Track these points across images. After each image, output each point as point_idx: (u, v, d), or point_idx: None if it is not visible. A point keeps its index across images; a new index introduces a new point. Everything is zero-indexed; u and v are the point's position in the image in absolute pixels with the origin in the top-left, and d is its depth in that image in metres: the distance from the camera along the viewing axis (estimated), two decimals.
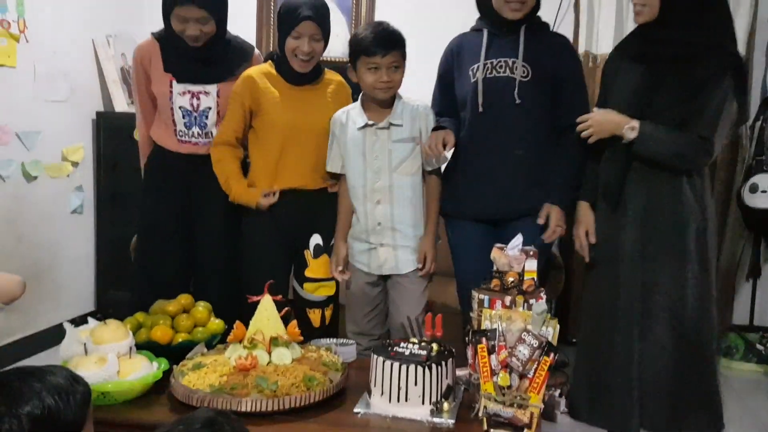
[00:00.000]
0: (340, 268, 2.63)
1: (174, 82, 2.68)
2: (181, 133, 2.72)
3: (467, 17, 2.63)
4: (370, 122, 2.53)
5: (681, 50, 2.27)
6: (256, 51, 2.83)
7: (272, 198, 2.60)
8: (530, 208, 2.51)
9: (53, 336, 3.67)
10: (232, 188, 2.63)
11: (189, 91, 2.69)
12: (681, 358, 2.37)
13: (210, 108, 2.70)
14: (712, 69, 2.25)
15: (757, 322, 3.92)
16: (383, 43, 2.42)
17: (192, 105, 2.69)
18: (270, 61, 2.65)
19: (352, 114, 2.57)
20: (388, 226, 2.56)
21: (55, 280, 3.79)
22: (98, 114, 4.02)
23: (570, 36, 3.94)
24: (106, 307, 3.94)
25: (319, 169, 2.64)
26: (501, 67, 2.49)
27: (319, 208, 2.67)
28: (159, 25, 2.69)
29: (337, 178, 2.66)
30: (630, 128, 2.28)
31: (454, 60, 2.62)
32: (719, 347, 2.51)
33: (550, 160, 2.52)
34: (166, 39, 2.69)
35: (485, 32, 2.55)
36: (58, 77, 3.70)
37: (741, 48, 3.78)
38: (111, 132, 4.00)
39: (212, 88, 2.69)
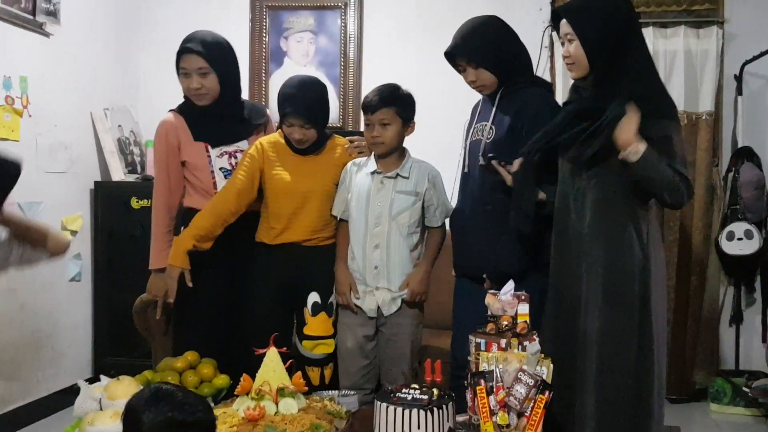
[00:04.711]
0: (357, 296, 2.72)
1: (209, 148, 2.80)
2: None
3: (448, 85, 2.79)
4: (379, 170, 2.71)
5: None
6: (268, 110, 3.03)
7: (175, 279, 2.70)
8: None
9: (54, 403, 3.71)
10: (185, 239, 2.69)
11: (225, 152, 2.82)
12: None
13: None
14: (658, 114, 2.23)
15: (743, 366, 4.03)
16: (371, 103, 2.67)
17: (231, 164, 2.81)
18: (279, 131, 2.81)
19: (364, 162, 2.75)
20: (384, 271, 2.69)
21: (55, 348, 3.83)
22: (96, 184, 4.14)
23: None
24: (104, 373, 3.96)
25: (321, 229, 2.78)
26: (480, 131, 2.64)
27: (318, 264, 2.78)
28: (154, 97, 2.83)
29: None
30: (635, 151, 2.14)
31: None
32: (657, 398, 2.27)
33: None
34: (189, 110, 2.82)
35: (482, 97, 2.71)
36: (58, 149, 3.83)
37: (709, 104, 4.01)
38: (108, 201, 4.12)
39: (244, 145, 2.83)
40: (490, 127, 2.58)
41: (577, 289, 2.30)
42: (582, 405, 2.24)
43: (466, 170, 2.67)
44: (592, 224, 2.28)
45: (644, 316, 2.23)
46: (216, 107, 2.81)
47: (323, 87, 2.81)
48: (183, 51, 2.76)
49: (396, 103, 2.67)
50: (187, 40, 2.78)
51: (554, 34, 4.13)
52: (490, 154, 2.44)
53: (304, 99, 2.69)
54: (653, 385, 2.25)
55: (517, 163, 2.39)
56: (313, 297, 2.76)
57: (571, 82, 3.91)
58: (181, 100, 2.90)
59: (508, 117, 2.56)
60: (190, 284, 2.68)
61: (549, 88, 2.70)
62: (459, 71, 2.65)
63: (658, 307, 2.28)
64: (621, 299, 2.23)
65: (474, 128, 2.68)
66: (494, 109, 2.60)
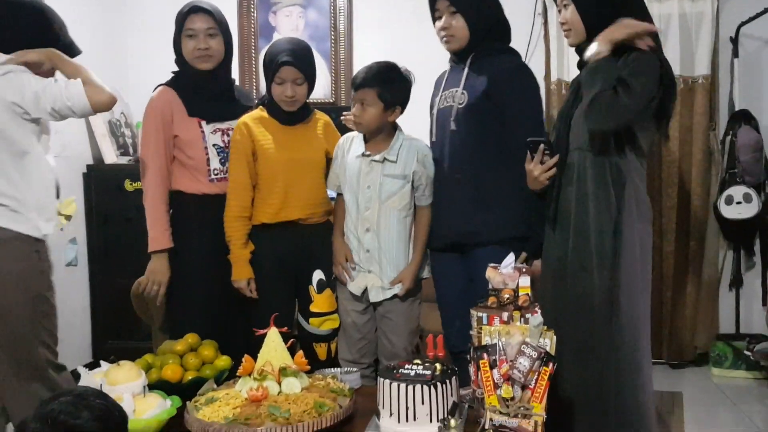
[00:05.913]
0: (353, 266, 2.70)
1: (204, 123, 2.76)
2: (216, 172, 2.76)
3: (440, 57, 2.74)
4: (367, 153, 2.65)
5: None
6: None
7: (246, 289, 2.72)
8: (482, 235, 2.54)
9: None
10: (234, 252, 2.71)
11: (219, 129, 2.77)
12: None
13: None
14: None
15: (743, 330, 4.04)
16: (356, 80, 2.62)
17: (224, 142, 2.77)
18: (261, 106, 2.77)
19: (355, 141, 2.70)
20: (376, 256, 2.67)
21: None
22: (88, 167, 4.11)
23: (541, 65, 4.12)
24: (104, 358, 3.96)
25: (319, 204, 2.76)
26: (450, 97, 2.60)
27: (320, 242, 2.76)
28: (143, 82, 2.77)
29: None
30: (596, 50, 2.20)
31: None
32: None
33: (490, 184, 2.55)
34: (183, 84, 2.77)
35: (449, 65, 2.69)
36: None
37: (705, 68, 3.97)
38: (101, 184, 4.09)
39: (235, 124, 2.77)
40: (462, 92, 2.55)
41: (562, 252, 2.34)
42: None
43: (434, 139, 2.66)
44: (577, 186, 2.30)
45: (614, 278, 2.24)
46: (212, 79, 2.77)
47: (311, 48, 2.79)
48: (191, 11, 2.71)
49: (379, 85, 2.56)
50: (193, 2, 2.74)
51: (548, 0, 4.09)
52: (542, 138, 2.36)
53: (298, 51, 2.67)
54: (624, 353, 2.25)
55: (554, 161, 2.34)
56: (318, 274, 2.75)
57: (566, 49, 3.96)
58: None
59: (482, 81, 2.53)
60: (255, 294, 2.72)
61: (520, 57, 2.66)
62: (435, 19, 2.61)
63: (631, 269, 2.26)
64: (594, 261, 2.25)
65: (442, 96, 2.64)
66: (465, 72, 2.56)
